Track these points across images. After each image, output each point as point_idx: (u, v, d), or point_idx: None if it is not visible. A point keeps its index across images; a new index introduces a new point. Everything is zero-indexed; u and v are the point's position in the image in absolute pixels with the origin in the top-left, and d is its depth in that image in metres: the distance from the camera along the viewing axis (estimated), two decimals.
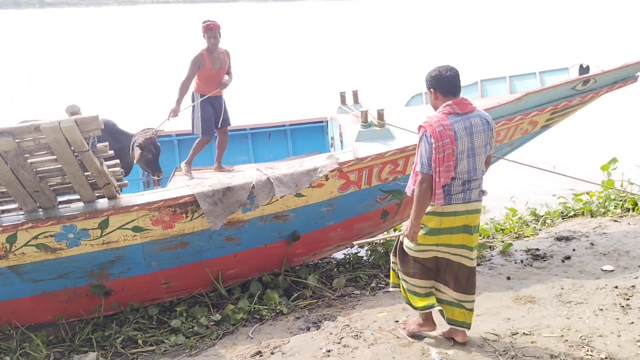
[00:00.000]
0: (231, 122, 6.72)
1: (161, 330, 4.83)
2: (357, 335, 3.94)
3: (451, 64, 3.63)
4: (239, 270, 5.37)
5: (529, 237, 6.36)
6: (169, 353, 4.46)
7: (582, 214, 6.89)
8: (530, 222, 6.94)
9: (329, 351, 3.77)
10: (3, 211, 4.60)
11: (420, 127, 3.55)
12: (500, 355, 3.45)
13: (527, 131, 5.99)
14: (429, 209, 3.56)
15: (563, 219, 6.88)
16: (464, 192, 3.53)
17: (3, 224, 4.39)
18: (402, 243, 3.78)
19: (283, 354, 3.89)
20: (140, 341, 4.67)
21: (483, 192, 3.65)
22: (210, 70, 6.17)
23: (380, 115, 5.42)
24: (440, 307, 3.69)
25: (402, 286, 3.85)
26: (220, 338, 4.56)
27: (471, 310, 3.67)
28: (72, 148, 3.95)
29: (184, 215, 4.76)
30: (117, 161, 4.57)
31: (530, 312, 4.10)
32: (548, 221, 6.84)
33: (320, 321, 4.43)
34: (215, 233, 4.96)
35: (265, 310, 4.85)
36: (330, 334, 4.04)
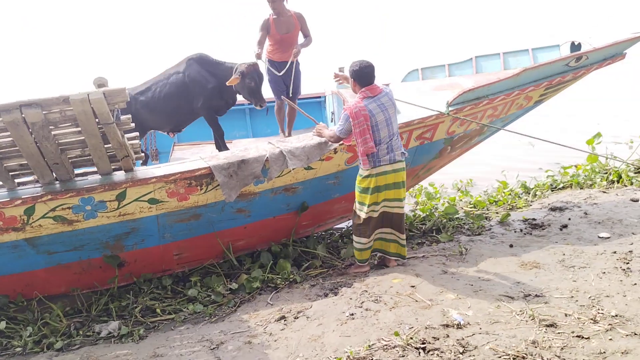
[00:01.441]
0: (300, 92, 6.64)
1: (177, 300, 4.95)
2: (376, 299, 4.13)
3: (368, 60, 4.73)
4: (248, 242, 5.51)
5: (521, 208, 6.64)
6: (189, 321, 4.60)
7: (571, 186, 7.19)
8: (522, 194, 7.23)
9: (352, 314, 3.95)
10: (19, 184, 4.63)
11: (344, 109, 4.70)
12: (518, 315, 3.69)
13: (521, 106, 6.21)
14: (364, 173, 4.69)
15: (552, 191, 7.18)
16: (389, 154, 4.63)
17: (22, 197, 4.42)
18: (355, 210, 4.85)
19: (307, 317, 4.07)
20: (158, 310, 4.80)
21: (404, 154, 4.74)
22: (276, 35, 6.15)
23: None
24: (371, 261, 5.01)
25: (357, 249, 4.91)
26: (239, 306, 4.71)
27: (404, 245, 4.87)
28: (97, 120, 4.00)
29: (198, 187, 4.85)
30: (137, 134, 4.63)
31: (538, 276, 4.35)
32: (538, 193, 7.13)
33: (336, 288, 4.61)
34: (227, 205, 5.07)
35: (280, 279, 5.01)
36: (350, 299, 4.22)
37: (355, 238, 4.90)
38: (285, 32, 6.16)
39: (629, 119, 11.23)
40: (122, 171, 4.73)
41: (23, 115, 3.76)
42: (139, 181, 4.64)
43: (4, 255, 4.64)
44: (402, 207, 4.82)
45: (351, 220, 5.19)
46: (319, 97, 7.39)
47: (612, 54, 6.05)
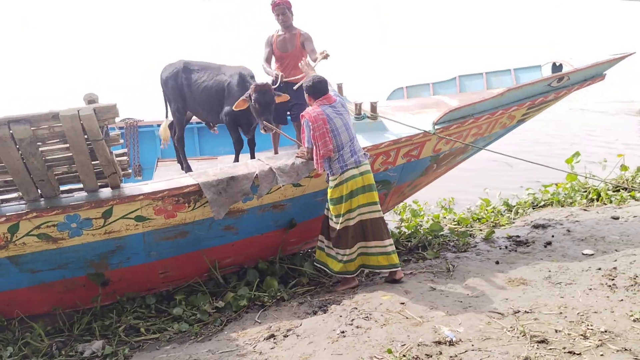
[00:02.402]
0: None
1: (162, 319, 4.88)
2: (367, 317, 4.12)
3: (320, 75, 4.95)
4: (235, 259, 5.46)
5: (504, 225, 6.71)
6: (174, 340, 4.52)
7: (551, 204, 7.31)
8: (504, 211, 7.31)
9: (342, 332, 3.93)
10: (2, 201, 4.54)
11: (302, 116, 4.85)
12: (508, 331, 3.71)
13: (505, 125, 6.31)
14: (333, 183, 4.76)
15: (534, 208, 7.29)
16: (353, 157, 4.73)
17: (6, 214, 4.34)
18: (330, 223, 4.89)
19: (297, 336, 4.03)
20: (142, 329, 4.71)
21: (366, 155, 4.87)
22: (276, 52, 6.13)
23: (373, 107, 5.62)
24: (353, 275, 4.94)
25: (323, 253, 5.01)
26: (225, 324, 4.65)
27: (392, 252, 4.83)
28: (86, 136, 3.96)
29: (186, 204, 4.81)
30: (125, 150, 4.59)
31: (525, 292, 4.39)
32: (520, 211, 7.22)
33: (325, 305, 4.59)
34: (215, 222, 5.03)
35: (267, 297, 4.96)
36: (340, 316, 4.20)
37: (337, 251, 4.87)
38: (283, 50, 6.11)
39: (602, 138, 11.55)
40: (108, 188, 4.68)
41: (11, 132, 3.71)
42: (126, 198, 4.59)
43: None
44: (378, 211, 4.83)
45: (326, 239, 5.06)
46: None
47: (593, 74, 6.21)
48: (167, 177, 5.96)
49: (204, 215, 4.94)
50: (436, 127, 5.52)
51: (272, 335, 4.12)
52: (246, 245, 5.39)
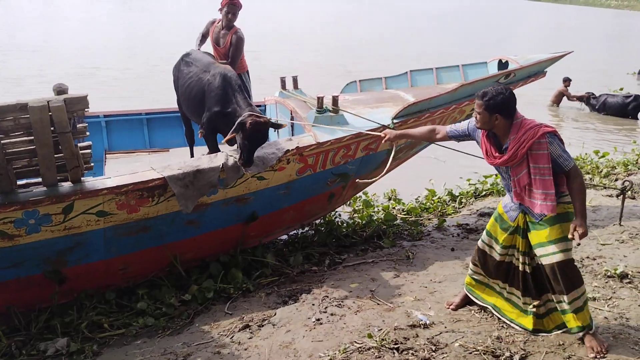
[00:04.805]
0: None
1: (125, 314, 4.80)
2: (339, 304, 4.24)
3: (504, 86, 3.62)
4: (195, 254, 5.42)
5: (451, 214, 7.01)
6: (142, 335, 4.47)
7: (492, 193, 7.70)
8: (449, 201, 7.63)
9: (318, 319, 4.03)
10: None
11: (546, 132, 3.45)
12: (477, 313, 3.94)
13: (455, 119, 6.56)
14: (565, 209, 3.54)
15: (476, 198, 7.65)
16: None
17: None
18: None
19: (273, 325, 4.09)
20: (105, 325, 4.62)
21: None
22: (212, 42, 6.06)
23: (335, 101, 5.70)
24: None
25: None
26: (193, 317, 4.64)
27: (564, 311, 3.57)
28: (53, 128, 3.84)
29: (150, 199, 4.73)
30: (90, 143, 4.46)
31: None
32: (464, 200, 7.56)
33: (294, 295, 4.67)
34: (178, 217, 4.98)
35: (232, 289, 4.98)
36: (313, 304, 4.30)
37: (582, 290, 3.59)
38: (217, 43, 6.12)
39: None
40: (68, 182, 4.53)
41: None
42: (89, 193, 4.45)
43: None
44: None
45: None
46: (258, 105, 7.37)
47: (535, 71, 6.59)
48: (118, 171, 5.83)
49: (167, 209, 4.88)
50: (395, 121, 5.69)
51: (247, 326, 4.17)
52: (207, 239, 5.36)
